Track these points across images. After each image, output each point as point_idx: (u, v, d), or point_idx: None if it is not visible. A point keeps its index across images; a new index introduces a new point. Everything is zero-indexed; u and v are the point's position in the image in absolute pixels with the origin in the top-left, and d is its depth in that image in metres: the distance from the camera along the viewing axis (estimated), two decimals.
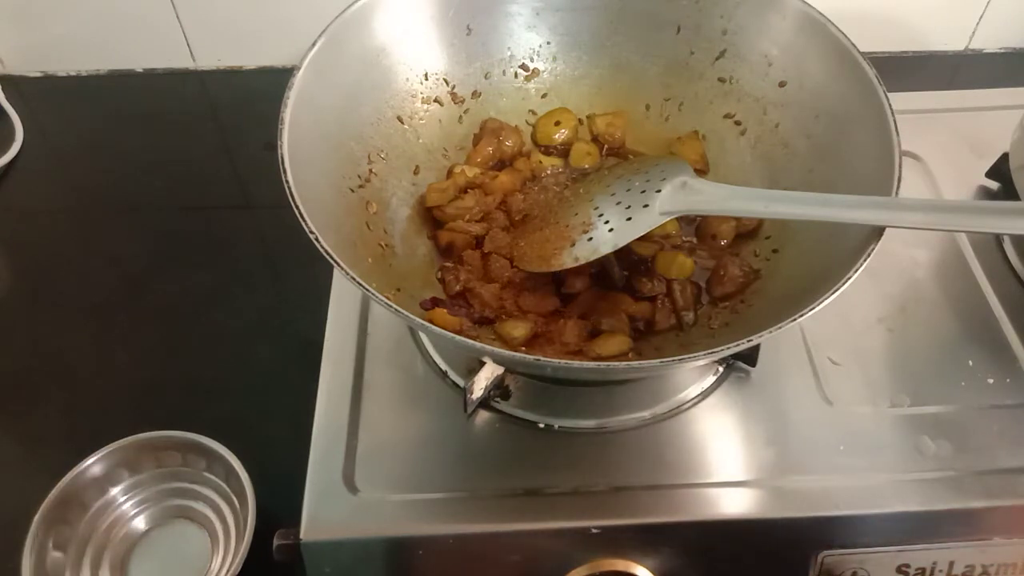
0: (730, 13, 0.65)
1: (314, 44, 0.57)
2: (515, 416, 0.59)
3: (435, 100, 0.67)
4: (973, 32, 0.95)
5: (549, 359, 0.46)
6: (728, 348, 0.46)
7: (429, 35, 0.65)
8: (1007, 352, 0.62)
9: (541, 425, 0.58)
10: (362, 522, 0.53)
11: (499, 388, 0.59)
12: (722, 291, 0.60)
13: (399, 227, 0.63)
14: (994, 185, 0.73)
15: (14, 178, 0.87)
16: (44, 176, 0.88)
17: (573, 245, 0.57)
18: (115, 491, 0.61)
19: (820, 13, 0.60)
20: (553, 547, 0.54)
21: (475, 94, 0.69)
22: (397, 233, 0.62)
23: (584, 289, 0.61)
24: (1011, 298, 0.65)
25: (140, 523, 0.61)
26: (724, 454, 0.57)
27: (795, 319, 0.46)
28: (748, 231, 0.63)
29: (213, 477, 0.61)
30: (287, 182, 0.50)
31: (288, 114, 0.53)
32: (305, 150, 0.54)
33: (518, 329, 0.58)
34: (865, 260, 0.48)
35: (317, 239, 0.47)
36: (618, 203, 0.58)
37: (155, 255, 0.80)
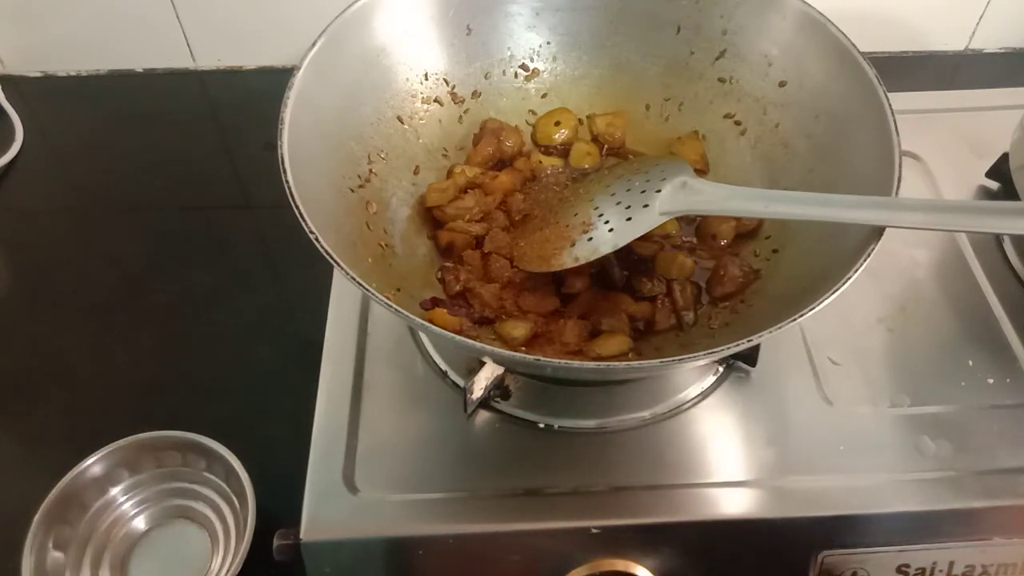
0: (730, 13, 0.65)
1: (314, 44, 0.57)
2: (515, 416, 0.59)
3: (435, 100, 0.67)
4: (973, 32, 0.95)
5: (549, 359, 0.46)
6: (728, 348, 0.46)
7: (429, 35, 0.65)
8: (1007, 352, 0.62)
9: (541, 425, 0.58)
10: (362, 522, 0.53)
11: (499, 388, 0.59)
12: (722, 291, 0.60)
13: (399, 227, 0.63)
14: (994, 185, 0.73)
15: (14, 178, 0.87)
16: (44, 176, 0.88)
17: (573, 245, 0.57)
18: (115, 491, 0.61)
19: (820, 13, 0.60)
20: (553, 547, 0.54)
21: (475, 94, 0.69)
22: (397, 233, 0.62)
23: (584, 289, 0.61)
24: (1011, 298, 0.65)
25: (140, 523, 0.61)
26: (724, 454, 0.57)
27: (795, 319, 0.46)
28: (748, 231, 0.63)
29: (213, 477, 0.61)
30: (287, 182, 0.50)
31: (288, 114, 0.53)
32: (305, 150, 0.54)
33: (518, 329, 0.58)
34: (865, 260, 0.48)
35: (317, 239, 0.47)
36: (618, 203, 0.58)
37: (155, 255, 0.80)
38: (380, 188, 0.62)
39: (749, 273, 0.61)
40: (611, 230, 0.57)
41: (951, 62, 0.97)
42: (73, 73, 0.96)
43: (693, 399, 0.60)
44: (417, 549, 0.54)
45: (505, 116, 0.69)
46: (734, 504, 0.54)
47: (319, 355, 0.61)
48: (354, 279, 0.47)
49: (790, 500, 0.54)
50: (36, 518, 0.56)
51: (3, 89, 0.92)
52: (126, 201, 0.85)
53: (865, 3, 0.90)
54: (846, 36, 0.59)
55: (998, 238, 0.69)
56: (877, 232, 0.49)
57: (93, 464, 0.59)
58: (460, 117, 0.69)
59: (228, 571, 0.56)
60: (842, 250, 0.51)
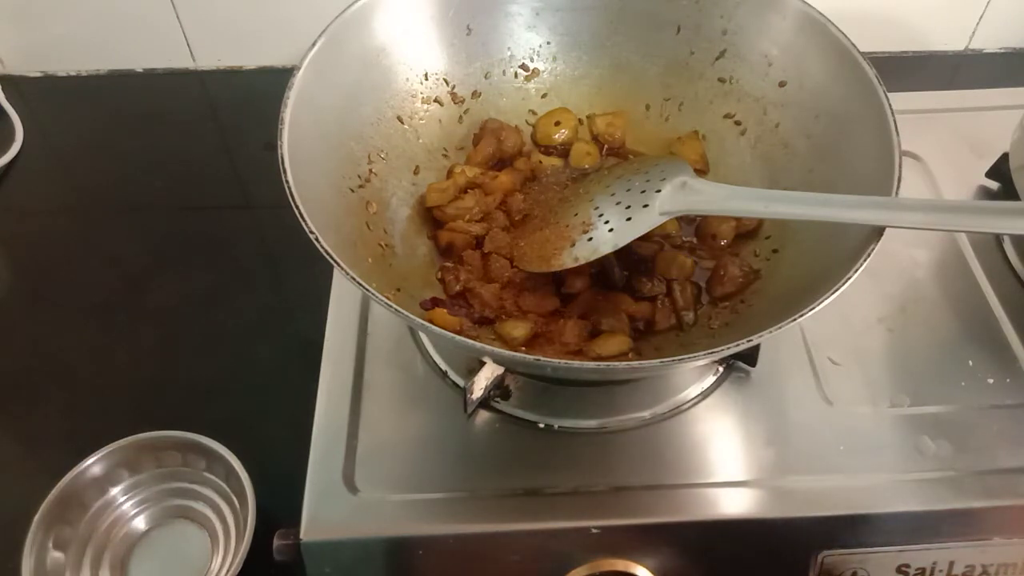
0: (730, 13, 0.65)
1: (314, 44, 0.57)
2: (515, 416, 0.59)
3: (435, 100, 0.67)
4: (973, 32, 0.95)
5: (549, 359, 0.46)
6: (728, 348, 0.46)
7: (429, 35, 0.65)
8: (1007, 352, 0.62)
9: (541, 425, 0.58)
10: (362, 522, 0.53)
11: (499, 388, 0.59)
12: (722, 291, 0.60)
13: (399, 227, 0.63)
14: (994, 185, 0.73)
15: (14, 178, 0.87)
16: (44, 176, 0.88)
17: (573, 245, 0.57)
18: (115, 491, 0.61)
19: (820, 13, 0.60)
20: (553, 547, 0.54)
21: (475, 94, 0.69)
22: (397, 233, 0.62)
23: (584, 289, 0.61)
24: (1011, 298, 0.65)
25: (140, 523, 0.61)
26: (724, 454, 0.57)
27: (795, 319, 0.46)
28: (748, 231, 0.63)
29: (213, 477, 0.61)
30: (287, 182, 0.50)
31: (288, 114, 0.53)
32: (305, 150, 0.54)
33: (518, 329, 0.58)
34: (865, 260, 0.48)
35: (317, 239, 0.47)
36: (618, 203, 0.58)
37: (155, 255, 0.80)
38: (380, 188, 0.62)
39: (749, 273, 0.61)
40: (611, 230, 0.57)
41: (951, 62, 0.97)
42: (73, 73, 0.96)
43: (693, 399, 0.60)
44: (417, 549, 0.54)
45: (505, 116, 0.69)
46: (734, 504, 0.54)
47: (319, 355, 0.61)
48: (354, 279, 0.47)
49: (790, 500, 0.54)
50: (36, 518, 0.56)
51: (3, 89, 0.92)
52: (126, 201, 0.85)
53: (865, 3, 0.90)
54: (846, 36, 0.59)
55: (998, 238, 0.69)
56: (877, 232, 0.49)
57: (93, 464, 0.59)
58: (460, 117, 0.69)
59: (228, 571, 0.56)
60: (842, 250, 0.51)
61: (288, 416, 0.59)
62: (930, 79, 0.94)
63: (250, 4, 0.89)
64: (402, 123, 0.65)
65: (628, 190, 0.58)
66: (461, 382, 0.60)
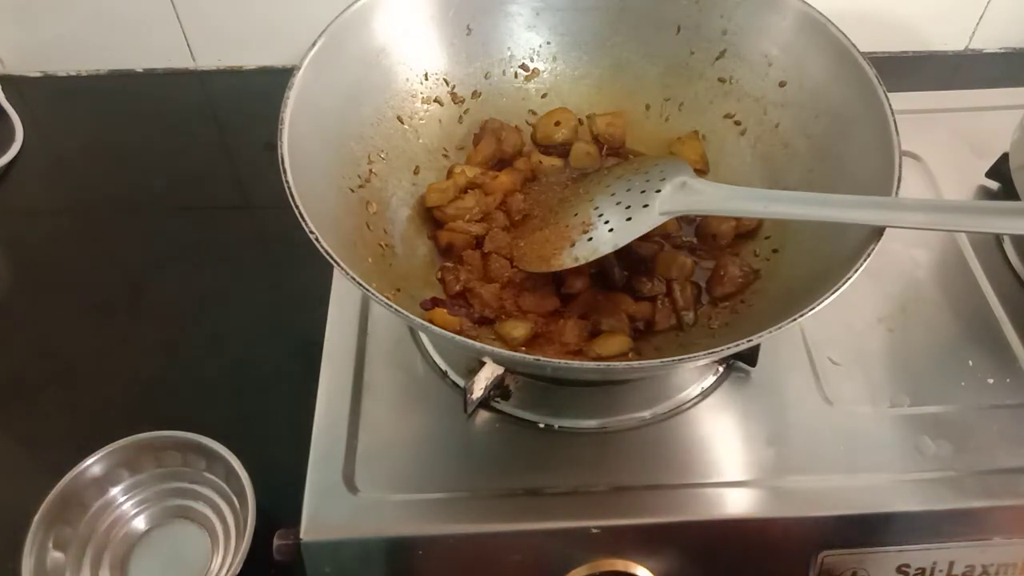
0: (730, 13, 0.65)
1: (314, 44, 0.57)
2: (515, 416, 0.59)
3: (435, 100, 0.67)
4: (973, 32, 0.95)
5: (549, 359, 0.46)
6: (728, 348, 0.46)
7: (429, 35, 0.65)
8: (1007, 352, 0.62)
9: (541, 425, 0.58)
10: (362, 522, 0.53)
11: (499, 388, 0.59)
12: (722, 291, 0.60)
13: (399, 227, 0.63)
14: (994, 185, 0.73)
15: (14, 178, 0.87)
16: (44, 176, 0.88)
17: (573, 245, 0.57)
18: (115, 491, 0.61)
19: (820, 13, 0.60)
20: (553, 547, 0.54)
21: (475, 94, 0.69)
22: (397, 233, 0.62)
23: (584, 289, 0.61)
24: (1011, 298, 0.65)
25: (140, 523, 0.61)
26: (724, 454, 0.57)
27: (795, 319, 0.46)
28: (748, 231, 0.63)
29: (213, 477, 0.61)
30: (287, 182, 0.50)
31: (288, 114, 0.53)
32: (305, 150, 0.54)
33: (518, 329, 0.58)
34: (865, 260, 0.48)
35: (317, 239, 0.47)
36: (618, 203, 0.58)
37: (155, 255, 0.80)
38: (380, 188, 0.62)
39: (749, 273, 0.61)
40: (611, 230, 0.57)
41: (951, 62, 0.97)
42: (73, 73, 0.96)
43: (693, 399, 0.60)
44: (417, 549, 0.54)
45: (505, 116, 0.69)
46: (734, 504, 0.54)
47: (319, 355, 0.61)
48: (354, 279, 0.47)
49: (790, 500, 0.54)
50: (36, 518, 0.56)
51: (3, 89, 0.92)
52: (126, 201, 0.85)
53: (865, 3, 0.90)
54: (846, 36, 0.59)
55: (998, 238, 0.69)
56: (877, 232, 0.49)
57: (93, 464, 0.59)
58: (460, 117, 0.69)
59: (228, 571, 0.56)
60: (842, 250, 0.51)
61: (288, 416, 0.59)
62: (930, 79, 0.94)
63: (250, 4, 0.89)
64: (402, 123, 0.65)
65: (628, 190, 0.58)
66: (461, 382, 0.60)
